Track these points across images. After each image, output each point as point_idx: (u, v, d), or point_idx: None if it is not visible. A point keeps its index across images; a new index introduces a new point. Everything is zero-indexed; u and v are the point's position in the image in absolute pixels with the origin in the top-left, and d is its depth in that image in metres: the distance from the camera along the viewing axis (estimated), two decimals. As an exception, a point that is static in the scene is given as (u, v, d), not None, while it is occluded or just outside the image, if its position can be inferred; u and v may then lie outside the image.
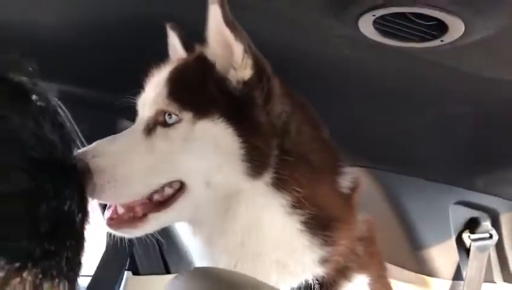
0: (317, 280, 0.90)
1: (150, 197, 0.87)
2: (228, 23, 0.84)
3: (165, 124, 0.87)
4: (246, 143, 0.85)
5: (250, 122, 0.87)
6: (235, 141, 0.85)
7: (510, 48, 0.96)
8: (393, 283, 1.47)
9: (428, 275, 1.64)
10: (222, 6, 0.83)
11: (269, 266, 0.88)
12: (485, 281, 1.67)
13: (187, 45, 1.00)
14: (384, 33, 0.92)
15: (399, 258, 1.67)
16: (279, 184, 0.87)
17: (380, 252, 1.06)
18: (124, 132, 0.92)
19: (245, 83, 0.88)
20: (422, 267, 1.65)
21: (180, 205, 0.87)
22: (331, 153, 0.97)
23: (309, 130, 0.94)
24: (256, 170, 0.86)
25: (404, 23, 0.89)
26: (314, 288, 0.90)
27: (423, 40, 0.92)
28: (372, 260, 0.99)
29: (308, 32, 1.02)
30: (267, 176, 0.87)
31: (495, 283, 1.71)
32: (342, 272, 0.93)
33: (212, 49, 0.90)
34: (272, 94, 0.89)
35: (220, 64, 0.89)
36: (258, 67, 0.88)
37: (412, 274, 1.66)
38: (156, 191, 0.87)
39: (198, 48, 0.95)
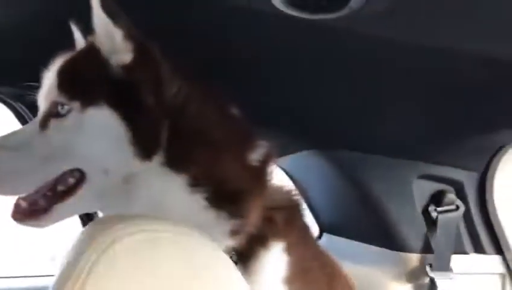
0: (233, 251, 0.94)
1: (53, 189, 0.91)
2: (106, 9, 0.88)
3: (58, 115, 0.91)
4: (131, 126, 0.87)
5: (135, 106, 0.89)
6: (120, 126, 0.87)
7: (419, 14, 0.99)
8: (363, 260, 1.51)
9: (397, 251, 1.65)
10: None
11: None
12: (457, 252, 1.69)
13: (87, 37, 1.02)
14: (294, 6, 0.97)
15: (366, 235, 1.69)
16: (174, 163, 0.89)
17: (301, 219, 1.11)
18: (24, 126, 0.98)
19: (126, 67, 0.90)
20: (391, 243, 1.66)
21: (82, 193, 0.90)
22: (238, 130, 0.99)
23: (210, 108, 0.96)
24: (146, 152, 0.88)
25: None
26: (231, 259, 0.92)
27: (331, 10, 0.97)
28: (290, 227, 1.02)
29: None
30: (160, 157, 0.89)
31: (467, 254, 1.71)
32: (258, 241, 0.96)
33: (98, 37, 0.93)
34: (160, 76, 0.91)
35: (104, 51, 0.92)
36: (140, 51, 0.90)
37: (381, 250, 1.67)
38: (59, 182, 0.90)
39: (89, 38, 0.98)
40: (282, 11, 0.98)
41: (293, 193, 1.07)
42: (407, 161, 1.66)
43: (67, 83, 0.92)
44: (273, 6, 0.98)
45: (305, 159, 1.73)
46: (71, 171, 0.90)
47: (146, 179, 0.89)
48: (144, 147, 0.88)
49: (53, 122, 0.92)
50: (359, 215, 1.71)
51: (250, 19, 1.08)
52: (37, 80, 0.99)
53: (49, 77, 0.95)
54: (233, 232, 0.92)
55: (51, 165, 0.89)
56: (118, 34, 0.89)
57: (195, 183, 0.89)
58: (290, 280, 0.98)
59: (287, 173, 1.86)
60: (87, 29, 0.99)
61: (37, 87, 0.99)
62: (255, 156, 0.97)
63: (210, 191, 0.90)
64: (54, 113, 0.92)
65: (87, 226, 0.71)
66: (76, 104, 0.90)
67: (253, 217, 0.94)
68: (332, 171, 1.69)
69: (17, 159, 0.89)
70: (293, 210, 1.05)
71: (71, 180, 0.91)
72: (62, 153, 0.89)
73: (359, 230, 1.71)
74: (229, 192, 0.92)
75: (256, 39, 1.17)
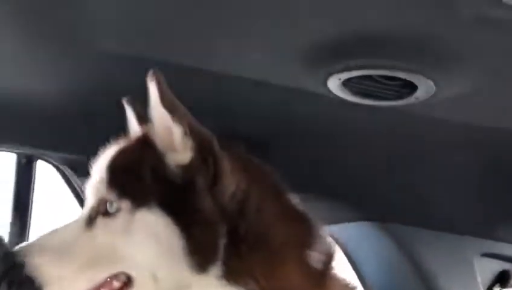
0: None
1: None
2: (165, 103, 0.80)
3: (106, 214, 0.83)
4: (185, 234, 0.78)
5: (190, 210, 0.80)
6: (173, 232, 0.79)
7: (487, 100, 0.95)
8: None
9: (457, 334, 1.55)
10: (159, 85, 0.79)
11: None
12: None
13: (141, 120, 0.93)
14: (356, 93, 0.94)
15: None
16: (232, 277, 0.79)
17: None
18: (67, 223, 0.89)
19: (185, 167, 0.81)
20: (451, 326, 1.56)
21: None
22: (299, 224, 0.88)
23: (270, 204, 0.86)
24: (201, 263, 0.79)
25: (372, 83, 0.90)
26: None
27: (396, 98, 0.93)
28: None
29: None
30: (217, 269, 0.79)
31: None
32: None
33: (155, 129, 0.85)
34: (219, 174, 0.82)
35: (161, 146, 0.83)
36: (200, 148, 0.81)
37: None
38: (103, 286, 0.82)
39: (145, 127, 0.90)
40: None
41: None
42: (468, 237, 1.56)
43: (118, 179, 0.84)
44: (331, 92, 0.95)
45: (359, 230, 1.66)
46: (116, 275, 0.82)
47: None
48: (200, 258, 0.79)
49: (100, 221, 0.84)
50: (415, 292, 1.61)
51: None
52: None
53: (99, 170, 0.88)
54: None
55: (97, 269, 0.82)
56: (177, 130, 0.80)
57: None
58: None
59: (338, 243, 1.79)
60: (144, 108, 0.89)
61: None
62: (316, 257, 0.89)
63: None
64: (102, 211, 0.84)
65: None
66: (126, 204, 0.82)
67: None
68: (388, 244, 1.61)
69: (61, 263, 0.82)
70: None
71: (116, 284, 0.82)
72: (109, 256, 0.82)
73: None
74: None
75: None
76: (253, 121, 1.19)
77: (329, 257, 0.87)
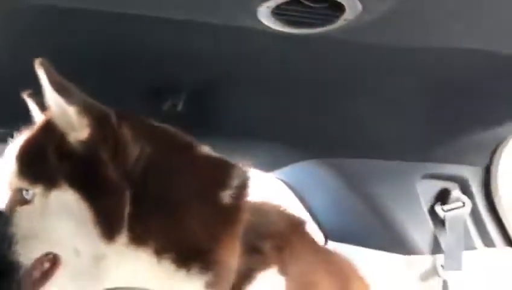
0: None
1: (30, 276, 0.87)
2: (56, 87, 0.84)
3: (24, 202, 0.87)
4: (93, 206, 0.83)
5: (97, 183, 0.85)
6: (83, 206, 0.83)
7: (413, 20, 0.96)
8: (373, 267, 1.48)
9: (406, 254, 1.63)
10: (47, 71, 0.83)
11: None
12: (466, 249, 1.66)
13: (43, 108, 0.98)
14: (286, 22, 0.93)
15: (374, 241, 1.66)
16: (138, 240, 0.85)
17: (299, 233, 1.07)
18: None
19: (86, 143, 0.86)
20: (400, 247, 1.63)
21: (58, 277, 0.86)
22: (207, 171, 0.93)
23: (172, 162, 0.91)
24: (109, 232, 0.83)
25: (302, 9, 0.90)
26: None
27: (325, 23, 0.93)
28: (283, 249, 0.98)
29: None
30: (123, 237, 0.84)
31: (476, 249, 1.69)
32: (244, 277, 0.92)
33: (53, 113, 0.89)
34: (120, 144, 0.87)
35: (61, 127, 0.88)
36: (97, 123, 0.86)
37: (390, 255, 1.64)
38: (35, 268, 0.86)
39: (46, 114, 0.94)
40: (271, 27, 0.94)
41: (288, 208, 1.04)
42: (409, 162, 1.63)
43: (27, 167, 0.88)
44: (261, 23, 0.94)
45: (305, 169, 1.70)
46: (46, 255, 0.86)
47: (113, 259, 0.85)
48: (107, 228, 0.83)
49: (20, 210, 0.88)
50: (365, 221, 1.67)
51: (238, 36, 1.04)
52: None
53: (8, 162, 0.91)
54: (211, 283, 0.88)
55: (24, 252, 0.86)
56: (71, 110, 0.85)
57: (161, 251, 0.85)
58: None
59: (286, 184, 1.82)
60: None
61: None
62: (228, 193, 0.92)
63: (176, 253, 0.86)
64: (19, 200, 0.88)
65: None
66: (39, 188, 0.86)
67: (231, 259, 0.89)
68: (334, 179, 1.66)
69: None
70: (288, 231, 1.01)
71: (46, 265, 0.87)
72: (33, 239, 0.86)
73: (366, 236, 1.68)
74: (196, 247, 0.87)
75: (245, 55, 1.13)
76: (185, 67, 1.17)
77: (241, 191, 0.92)
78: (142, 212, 0.85)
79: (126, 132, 0.88)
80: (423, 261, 1.63)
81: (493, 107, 1.42)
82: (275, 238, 0.97)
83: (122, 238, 0.84)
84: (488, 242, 1.70)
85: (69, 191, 0.84)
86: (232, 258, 0.90)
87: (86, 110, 0.86)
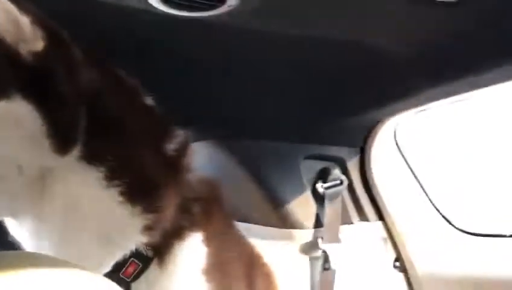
0: (148, 246, 0.93)
1: None
2: None
3: None
4: (47, 118, 0.82)
5: (50, 95, 0.83)
6: (35, 117, 0.81)
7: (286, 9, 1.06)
8: (260, 241, 1.58)
9: (291, 228, 1.75)
10: None
11: (94, 242, 0.89)
12: (344, 223, 1.82)
13: None
14: (174, 6, 0.99)
15: (262, 217, 1.77)
16: (90, 157, 0.86)
17: (221, 210, 1.13)
18: None
19: (39, 56, 0.83)
20: (285, 222, 1.76)
21: None
22: (153, 120, 0.98)
23: (124, 97, 0.93)
24: (62, 145, 0.83)
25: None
26: (147, 254, 0.93)
27: (210, 7, 1.01)
28: (209, 218, 1.04)
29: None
30: (77, 150, 0.85)
31: (353, 223, 1.86)
32: (175, 233, 0.97)
33: (2, 25, 0.84)
34: (73, 61, 0.87)
35: (11, 38, 0.83)
36: (51, 37, 0.85)
37: (277, 230, 1.76)
38: None
39: None
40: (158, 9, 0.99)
41: (212, 183, 1.08)
42: (293, 144, 1.75)
43: None
44: (149, 4, 0.99)
45: (201, 151, 1.76)
46: None
47: (62, 174, 0.85)
48: (61, 140, 0.82)
49: None
50: (254, 199, 1.78)
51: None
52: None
53: None
54: (148, 228, 0.91)
55: None
56: (24, 20, 0.81)
57: (111, 177, 0.87)
58: (209, 271, 0.99)
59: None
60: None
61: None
62: (171, 146, 0.97)
63: (126, 185, 0.88)
64: None
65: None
66: None
67: (169, 211, 0.93)
68: (224, 159, 1.74)
69: None
70: (212, 201, 1.06)
71: None
72: None
73: (254, 213, 1.79)
74: (143, 186, 0.90)
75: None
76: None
77: (183, 149, 0.97)
78: (96, 131, 0.85)
79: (79, 53, 0.88)
80: (306, 234, 1.77)
81: (361, 95, 1.56)
82: (204, 204, 1.02)
83: (76, 152, 0.84)
84: (362, 217, 1.88)
85: (22, 102, 0.81)
86: (172, 208, 0.93)
87: (39, 22, 0.83)
